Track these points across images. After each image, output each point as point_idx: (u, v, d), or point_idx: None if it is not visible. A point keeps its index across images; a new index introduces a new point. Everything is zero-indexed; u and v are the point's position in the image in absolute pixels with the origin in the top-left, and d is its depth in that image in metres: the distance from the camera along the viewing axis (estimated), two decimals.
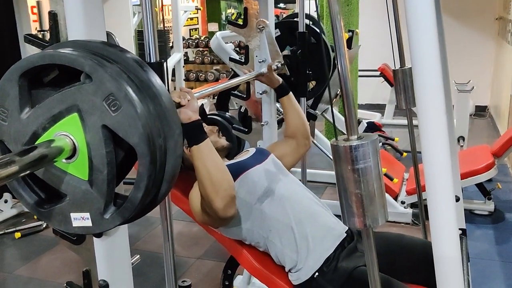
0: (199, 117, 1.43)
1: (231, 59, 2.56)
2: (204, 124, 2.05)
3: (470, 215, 3.62)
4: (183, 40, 8.47)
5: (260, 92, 2.47)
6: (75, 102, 0.96)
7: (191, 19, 9.88)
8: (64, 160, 0.99)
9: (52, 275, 2.98)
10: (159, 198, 1.08)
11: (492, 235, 3.37)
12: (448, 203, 1.01)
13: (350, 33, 3.62)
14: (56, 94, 0.98)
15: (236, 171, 1.82)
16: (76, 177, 1.01)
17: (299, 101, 2.54)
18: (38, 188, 1.07)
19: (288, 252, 1.74)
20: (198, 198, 1.65)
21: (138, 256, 1.47)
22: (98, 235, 1.29)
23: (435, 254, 1.06)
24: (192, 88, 6.47)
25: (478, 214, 3.65)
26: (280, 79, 2.15)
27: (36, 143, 0.99)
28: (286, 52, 2.55)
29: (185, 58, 8.56)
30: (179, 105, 1.39)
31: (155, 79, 1.03)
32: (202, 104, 2.19)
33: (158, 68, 1.17)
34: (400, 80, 2.18)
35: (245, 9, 2.43)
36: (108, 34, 1.23)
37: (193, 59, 8.58)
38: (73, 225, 1.04)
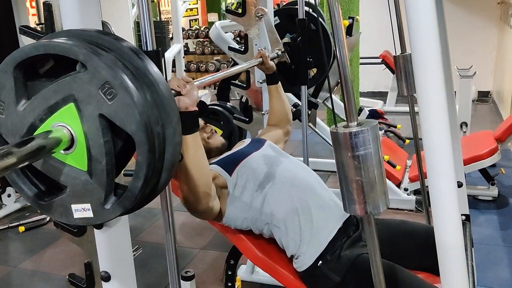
0: (197, 108, 1.42)
1: (230, 48, 2.55)
2: (201, 123, 2.06)
3: (473, 201, 3.61)
4: (183, 31, 8.44)
5: (260, 81, 2.46)
6: (70, 91, 0.95)
7: (191, 9, 9.82)
8: (62, 151, 0.98)
9: (56, 268, 2.99)
10: (159, 188, 1.07)
11: (496, 220, 3.37)
12: (449, 189, 1.00)
13: (350, 20, 3.58)
14: (52, 85, 0.97)
15: (234, 161, 1.82)
16: (75, 168, 1.00)
17: (299, 89, 2.53)
18: (37, 181, 1.06)
19: (291, 235, 1.74)
20: (191, 209, 1.68)
21: (140, 247, 1.46)
22: (99, 227, 1.28)
23: (437, 240, 1.05)
24: (193, 79, 6.42)
25: (481, 200, 3.64)
26: (274, 67, 2.15)
27: (34, 134, 0.99)
28: (286, 39, 2.53)
29: (185, 49, 8.52)
30: (178, 93, 1.37)
31: (152, 66, 1.01)
32: (201, 100, 2.18)
33: (155, 57, 1.15)
34: (401, 66, 2.16)
35: None
36: (104, 24, 1.22)
37: (194, 50, 8.55)
38: (75, 217, 1.03)
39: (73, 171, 1.00)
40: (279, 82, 2.19)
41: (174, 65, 5.67)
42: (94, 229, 1.30)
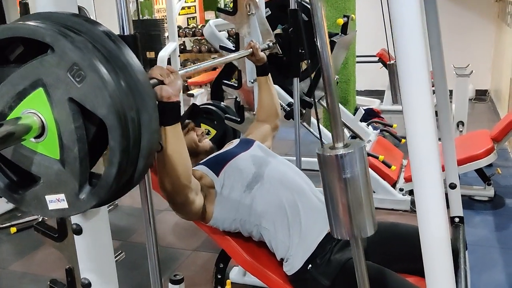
0: (179, 99, 1.38)
1: (221, 47, 2.51)
2: (193, 126, 2.03)
3: (469, 201, 3.58)
4: (180, 29, 8.41)
5: (252, 80, 2.42)
6: (38, 76, 0.91)
7: (189, 7, 9.78)
8: (33, 140, 0.95)
9: (47, 270, 2.95)
10: (136, 176, 1.03)
11: (492, 221, 3.34)
12: (435, 196, 0.96)
13: (346, 19, 3.54)
14: (19, 70, 0.93)
15: (221, 162, 1.79)
16: (48, 157, 0.96)
17: (291, 82, 2.48)
18: (10, 172, 1.03)
19: (280, 236, 1.71)
20: (177, 212, 1.68)
21: (123, 253, 1.42)
22: (78, 232, 1.25)
23: (423, 246, 1.01)
24: (190, 78, 6.41)
25: (477, 200, 3.61)
26: (265, 59, 2.11)
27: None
28: (278, 30, 2.47)
29: (182, 47, 8.49)
30: (161, 82, 1.33)
31: (126, 50, 0.97)
32: (194, 104, 2.15)
33: (132, 41, 1.10)
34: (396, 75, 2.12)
35: None
36: (80, 9, 1.17)
37: (191, 48, 8.51)
38: (49, 208, 1.00)
39: (46, 160, 0.97)
40: (269, 74, 2.15)
41: (169, 64, 5.63)
42: (74, 235, 1.26)
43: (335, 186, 0.96)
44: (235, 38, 2.43)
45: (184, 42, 8.60)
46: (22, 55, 0.98)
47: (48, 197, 0.99)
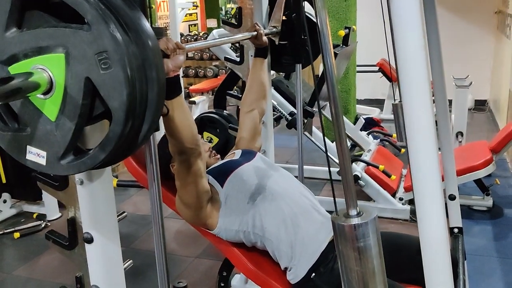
0: (178, 73, 1.40)
1: (226, 59, 2.56)
2: (202, 140, 2.03)
3: (468, 211, 3.62)
4: (182, 36, 8.45)
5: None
6: (66, 43, 0.94)
7: (190, 14, 9.84)
8: (37, 94, 0.98)
9: (51, 275, 2.99)
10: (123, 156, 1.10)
11: (491, 231, 3.37)
12: (436, 204, 1.00)
13: (347, 30, 3.59)
14: (49, 29, 0.95)
15: (225, 172, 1.83)
16: (44, 115, 1.00)
17: (294, 69, 2.48)
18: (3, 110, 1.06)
19: (283, 248, 1.75)
20: (182, 202, 1.75)
21: (131, 261, 1.46)
22: (89, 241, 1.29)
23: (423, 255, 1.05)
24: (191, 84, 6.43)
25: (476, 210, 3.65)
26: (267, 43, 2.13)
27: (12, 69, 0.99)
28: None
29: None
30: (164, 55, 1.33)
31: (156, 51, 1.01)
32: (197, 117, 2.14)
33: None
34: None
35: (239, 8, 2.42)
36: None
37: (192, 55, 8.56)
38: (26, 157, 1.04)
39: (41, 117, 1.00)
40: (266, 59, 2.17)
41: None
42: (85, 243, 1.30)
43: (349, 255, 1.00)
44: (240, 50, 2.47)
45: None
46: (60, 4, 0.97)
47: (30, 148, 1.03)
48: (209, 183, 1.79)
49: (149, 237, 3.44)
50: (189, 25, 9.81)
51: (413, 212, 3.55)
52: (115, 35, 0.92)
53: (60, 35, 0.94)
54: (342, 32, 3.58)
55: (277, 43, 2.27)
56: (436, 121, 1.12)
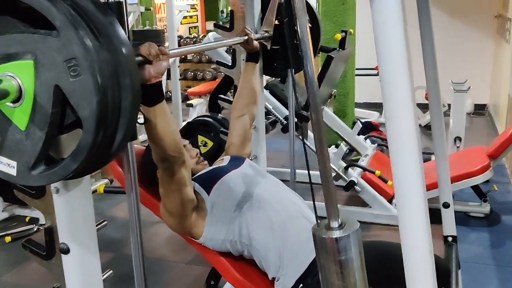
0: (160, 79, 1.36)
1: (218, 62, 2.52)
2: (190, 146, 2.00)
3: (465, 218, 3.57)
4: (181, 38, 8.43)
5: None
6: (34, 50, 0.91)
7: (191, 17, 9.82)
8: (7, 103, 0.95)
9: (39, 282, 2.93)
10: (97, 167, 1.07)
11: (488, 238, 3.32)
12: (419, 223, 0.96)
13: (343, 34, 3.55)
14: (18, 35, 0.93)
15: (212, 179, 1.79)
16: (14, 124, 0.97)
17: (286, 74, 2.44)
18: None
19: (271, 257, 1.70)
20: (166, 210, 1.72)
21: (111, 271, 1.42)
22: (66, 252, 1.25)
23: (406, 270, 1.01)
24: (189, 87, 6.40)
25: (473, 217, 3.60)
26: (258, 47, 2.10)
27: None
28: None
29: (183, 56, 8.50)
30: (146, 60, 1.29)
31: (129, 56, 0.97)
32: (189, 122, 2.12)
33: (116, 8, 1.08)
34: None
35: (232, 12, 2.38)
36: None
37: (191, 58, 8.53)
38: None
39: (11, 126, 0.97)
40: (258, 64, 2.14)
41: (168, 74, 5.65)
42: (62, 254, 1.26)
43: (330, 268, 0.97)
44: (232, 54, 2.44)
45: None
46: (32, 15, 0.94)
47: (0, 158, 1.00)
48: (195, 190, 1.75)
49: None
50: (189, 28, 9.78)
51: None
52: (85, 41, 0.89)
53: (29, 42, 0.92)
54: (339, 36, 3.54)
55: (269, 48, 2.23)
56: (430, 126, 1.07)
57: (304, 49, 0.95)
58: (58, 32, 0.89)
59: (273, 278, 1.74)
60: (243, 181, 1.80)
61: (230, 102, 2.52)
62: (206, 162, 1.98)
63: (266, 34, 2.22)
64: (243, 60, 2.37)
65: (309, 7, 2.65)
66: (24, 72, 0.93)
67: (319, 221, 1.03)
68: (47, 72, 0.91)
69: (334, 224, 0.99)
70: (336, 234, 0.97)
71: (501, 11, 6.34)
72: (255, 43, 2.06)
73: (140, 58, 1.29)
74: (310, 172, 4.29)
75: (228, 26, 2.41)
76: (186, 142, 2.00)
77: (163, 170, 1.60)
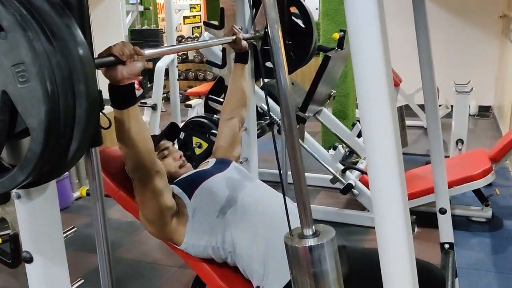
0: (133, 81, 1.29)
1: (208, 62, 2.45)
2: (173, 148, 1.93)
3: (466, 222, 3.48)
4: (183, 38, 8.38)
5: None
6: None
7: (194, 17, 9.76)
8: None
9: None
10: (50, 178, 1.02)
11: (489, 243, 3.23)
12: (398, 235, 0.88)
13: (342, 33, 3.48)
14: None
15: (194, 183, 1.71)
16: None
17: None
18: None
19: (255, 266, 1.62)
20: (145, 218, 1.64)
21: (82, 281, 1.35)
22: (29, 261, 1.17)
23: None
24: (191, 87, 6.33)
25: (474, 221, 3.50)
26: (247, 47, 2.03)
27: None
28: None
29: (184, 56, 8.46)
30: (118, 61, 1.22)
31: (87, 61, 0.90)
32: (172, 123, 2.04)
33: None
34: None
35: (222, 9, 2.31)
36: None
37: (192, 58, 8.48)
38: None
39: None
40: (247, 65, 2.07)
41: (167, 74, 5.58)
42: (25, 263, 1.19)
43: (304, 282, 0.90)
44: (222, 53, 2.37)
45: (187, 51, 8.56)
46: None
47: None
48: (176, 195, 1.67)
49: (134, 245, 3.33)
50: (192, 28, 9.73)
51: None
52: (34, 44, 0.82)
53: None
54: (337, 35, 3.47)
55: (259, 48, 2.16)
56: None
57: (277, 60, 0.88)
58: (5, 33, 0.82)
59: (258, 287, 1.66)
60: (227, 185, 1.72)
61: (221, 103, 2.45)
62: (189, 164, 1.90)
63: (257, 34, 2.15)
64: (234, 59, 2.31)
65: (302, 6, 2.58)
66: None
67: (291, 230, 0.95)
68: None
69: (308, 232, 0.91)
70: (310, 242, 0.89)
71: (506, 11, 6.22)
72: (244, 43, 1.98)
73: (112, 58, 1.22)
74: (311, 174, 4.22)
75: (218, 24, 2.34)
76: (170, 144, 1.93)
77: (137, 180, 1.53)
